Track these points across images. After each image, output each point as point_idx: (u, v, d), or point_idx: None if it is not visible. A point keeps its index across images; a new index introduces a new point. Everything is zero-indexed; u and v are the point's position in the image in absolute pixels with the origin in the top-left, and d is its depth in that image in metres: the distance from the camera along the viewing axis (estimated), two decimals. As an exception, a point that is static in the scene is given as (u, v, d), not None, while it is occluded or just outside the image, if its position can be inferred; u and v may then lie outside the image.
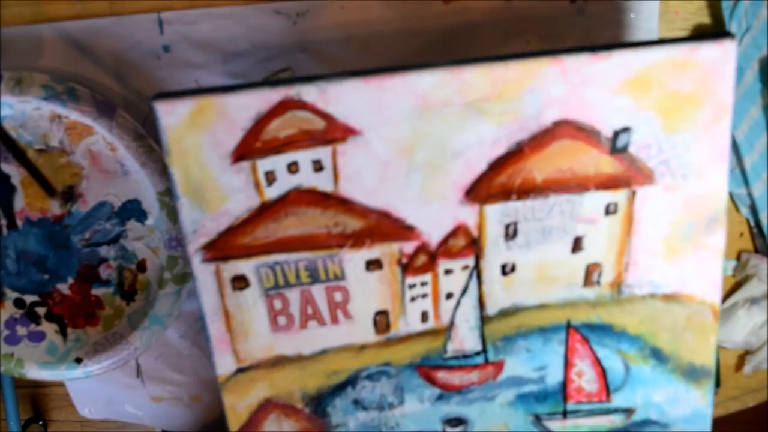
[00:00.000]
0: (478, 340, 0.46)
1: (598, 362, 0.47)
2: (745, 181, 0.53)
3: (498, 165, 0.41)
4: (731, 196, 0.55)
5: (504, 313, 0.45)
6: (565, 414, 0.48)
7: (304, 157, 0.41)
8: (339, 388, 0.47)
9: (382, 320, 0.45)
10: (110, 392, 0.63)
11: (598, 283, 0.44)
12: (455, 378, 0.47)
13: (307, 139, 0.40)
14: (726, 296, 0.57)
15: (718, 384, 0.57)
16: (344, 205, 0.42)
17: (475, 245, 0.43)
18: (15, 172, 0.50)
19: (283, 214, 0.42)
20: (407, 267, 0.43)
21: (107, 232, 0.51)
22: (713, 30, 0.48)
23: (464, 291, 0.44)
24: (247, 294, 0.44)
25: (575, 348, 0.46)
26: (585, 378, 0.47)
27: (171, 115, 0.39)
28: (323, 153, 0.41)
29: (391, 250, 0.43)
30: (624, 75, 0.39)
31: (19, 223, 0.51)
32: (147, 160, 0.47)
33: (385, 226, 0.42)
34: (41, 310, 0.53)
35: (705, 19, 0.50)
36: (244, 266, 0.43)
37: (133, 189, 0.50)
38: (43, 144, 0.49)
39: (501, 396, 0.47)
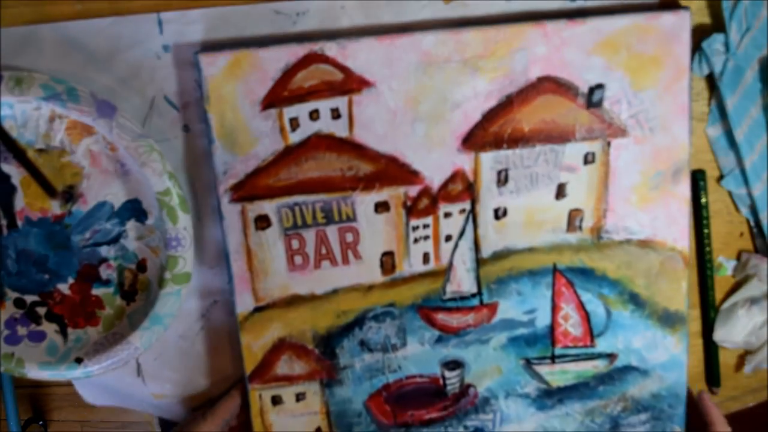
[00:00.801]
0: (474, 282, 0.51)
1: (582, 306, 0.51)
2: (745, 181, 0.53)
3: (491, 116, 0.47)
4: (731, 196, 0.54)
5: (497, 256, 0.50)
6: (553, 358, 0.52)
7: (324, 105, 0.47)
8: (347, 329, 0.51)
9: (388, 261, 0.50)
10: (113, 386, 0.64)
11: (580, 228, 0.50)
12: (453, 320, 0.51)
13: (327, 89, 0.47)
14: (726, 296, 0.56)
15: (718, 384, 0.58)
16: (357, 150, 0.48)
17: (471, 190, 0.49)
18: (15, 172, 0.49)
19: (303, 158, 0.48)
20: (411, 209, 0.49)
21: (107, 232, 0.51)
22: (714, 30, 0.48)
23: (461, 233, 0.50)
24: (268, 233, 0.49)
25: (561, 291, 0.51)
26: (570, 322, 0.52)
27: (212, 66, 0.46)
28: (341, 102, 0.47)
29: (397, 193, 0.49)
30: (597, 38, 0.46)
31: (20, 223, 0.51)
32: (147, 160, 0.47)
33: (392, 171, 0.48)
34: (41, 310, 0.53)
35: (705, 19, 0.50)
36: (267, 206, 0.48)
37: (133, 189, 0.50)
38: (43, 144, 0.49)
39: (494, 339, 0.52)
